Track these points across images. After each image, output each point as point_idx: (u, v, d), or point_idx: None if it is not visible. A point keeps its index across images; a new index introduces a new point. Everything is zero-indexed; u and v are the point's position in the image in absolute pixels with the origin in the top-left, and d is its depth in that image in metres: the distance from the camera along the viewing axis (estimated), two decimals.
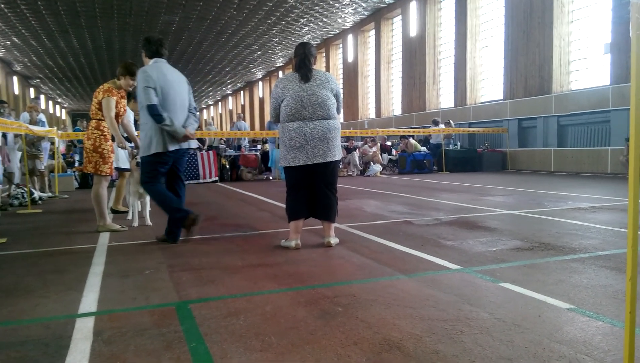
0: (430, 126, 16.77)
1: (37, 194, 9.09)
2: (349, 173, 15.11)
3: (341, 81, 28.91)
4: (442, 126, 16.38)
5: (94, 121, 5.55)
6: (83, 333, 2.47)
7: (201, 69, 37.67)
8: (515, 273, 3.50)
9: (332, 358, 2.12)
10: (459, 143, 17.54)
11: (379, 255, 4.14)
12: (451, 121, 16.94)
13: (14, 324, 2.65)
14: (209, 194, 9.93)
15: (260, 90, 42.64)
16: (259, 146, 16.97)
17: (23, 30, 25.23)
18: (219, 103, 59.80)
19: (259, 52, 32.45)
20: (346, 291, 3.12)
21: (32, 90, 42.16)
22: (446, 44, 20.40)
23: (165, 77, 4.64)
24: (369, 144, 16.29)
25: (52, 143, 11.31)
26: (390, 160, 16.40)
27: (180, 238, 4.83)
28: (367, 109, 27.03)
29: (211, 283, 3.39)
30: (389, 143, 18.06)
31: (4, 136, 8.86)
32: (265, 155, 14.59)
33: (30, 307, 2.93)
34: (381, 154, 16.16)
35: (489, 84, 18.41)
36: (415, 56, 21.36)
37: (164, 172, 4.77)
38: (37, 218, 6.97)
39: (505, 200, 7.86)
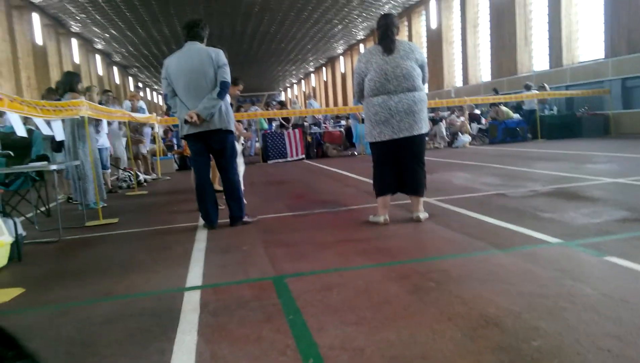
0: (522, 91, 15.84)
1: (142, 176, 9.82)
2: (435, 145, 14.74)
3: (425, 50, 27.99)
4: (535, 90, 15.41)
5: None
6: (191, 305, 2.67)
7: (284, 48, 38.21)
8: (622, 246, 3.27)
9: (427, 334, 2.14)
10: (555, 108, 16.41)
11: (471, 229, 4.04)
12: (546, 85, 15.87)
13: (131, 297, 2.93)
14: (296, 172, 10.17)
15: (342, 65, 42.47)
16: (342, 122, 17.00)
17: (119, 23, 26.96)
18: (302, 81, 60.42)
19: (339, 27, 32.26)
20: (438, 267, 3.10)
21: (130, 79, 45.12)
22: (538, 1, 19.01)
23: (178, 65, 4.58)
24: (457, 113, 15.74)
25: (152, 128, 12.10)
26: (479, 130, 15.74)
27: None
28: (453, 77, 26.02)
29: (304, 258, 3.50)
30: (477, 112, 17.32)
31: (109, 123, 9.60)
32: (349, 131, 14.61)
33: (143, 281, 3.21)
34: (470, 124, 15.55)
35: (587, 42, 16.96)
36: (504, 16, 20.13)
37: (198, 151, 4.73)
38: (143, 199, 7.54)
39: (608, 167, 7.30)
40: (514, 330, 2.12)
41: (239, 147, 6.07)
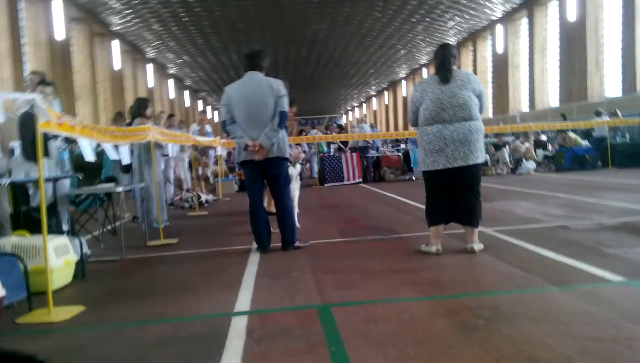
0: (592, 118, 15.13)
1: (203, 197, 10.18)
2: (498, 172, 14.29)
3: (490, 74, 27.44)
4: (606, 117, 14.66)
5: None
6: (237, 331, 2.73)
7: (346, 73, 38.68)
8: None
9: None
10: (627, 135, 15.53)
11: (529, 263, 3.88)
12: (618, 111, 15.08)
13: (183, 320, 3.04)
14: (351, 196, 10.18)
15: (403, 89, 42.34)
16: (402, 146, 16.90)
17: (191, 49, 28.36)
18: (364, 104, 60.71)
19: (402, 52, 32.30)
20: (490, 303, 3.00)
21: (200, 102, 47.12)
22: (610, 26, 18.22)
23: (239, 93, 4.77)
24: (521, 139, 15.23)
25: (215, 151, 12.55)
26: (545, 156, 15.12)
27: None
28: (519, 102, 25.26)
29: (352, 286, 3.50)
30: (544, 138, 16.68)
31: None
32: (407, 155, 14.49)
33: (196, 304, 3.32)
34: (535, 150, 15.00)
35: None
36: (574, 41, 19.41)
37: (253, 177, 4.87)
38: (203, 220, 7.80)
39: None
40: None
41: (294, 171, 6.19)
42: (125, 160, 5.17)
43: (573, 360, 2.16)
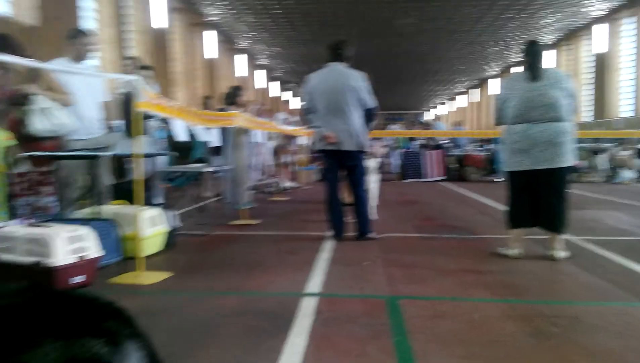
0: None
1: (286, 184, 10.49)
2: (592, 179, 13.40)
3: (589, 75, 25.65)
4: None
5: None
6: (306, 311, 2.83)
7: (433, 68, 37.73)
8: None
9: None
10: None
11: (615, 275, 3.65)
12: None
13: (257, 294, 3.20)
14: (430, 193, 10.01)
15: (493, 87, 40.66)
16: (488, 146, 16.26)
17: (282, 40, 29.06)
18: (450, 102, 59.07)
19: (493, 49, 30.98)
20: (567, 312, 2.88)
21: (290, 93, 48.16)
22: None
23: (320, 83, 4.85)
24: (622, 146, 14.14)
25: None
26: None
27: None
28: (619, 106, 23.43)
29: (422, 282, 3.49)
30: None
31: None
32: (493, 155, 13.95)
33: (269, 281, 3.48)
34: (636, 158, 13.87)
35: None
36: None
37: (331, 166, 4.94)
38: (283, 205, 8.05)
39: None
40: None
41: (373, 163, 6.21)
42: (215, 142, 5.46)
43: None
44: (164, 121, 5.12)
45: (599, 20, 23.71)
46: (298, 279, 3.49)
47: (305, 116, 4.97)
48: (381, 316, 2.79)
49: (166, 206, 4.72)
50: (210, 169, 5.31)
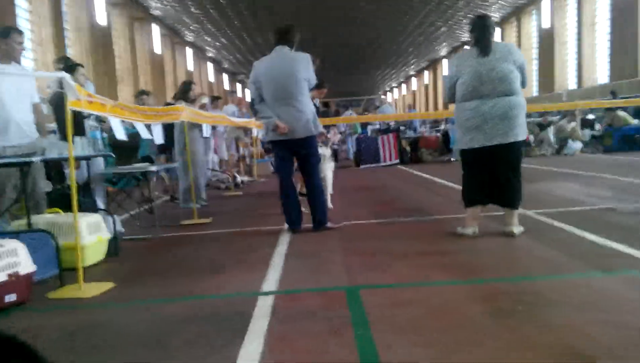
0: None
1: (239, 178, 10.23)
2: (542, 152, 13.75)
3: (535, 50, 26.40)
4: None
5: None
6: (262, 311, 2.68)
7: (385, 53, 38.02)
8: None
9: None
10: None
11: (571, 247, 3.67)
12: None
13: (209, 297, 3.02)
14: (387, 178, 10.00)
15: (444, 68, 41.34)
16: (442, 127, 16.46)
17: (229, 31, 28.46)
18: (403, 85, 59.71)
19: (443, 29, 31.43)
20: (527, 289, 2.84)
21: (238, 85, 47.45)
22: None
23: (266, 70, 4.63)
24: (567, 119, 14.57)
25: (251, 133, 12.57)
26: (592, 136, 14.45)
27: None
28: (566, 80, 24.24)
29: (381, 269, 3.39)
30: (591, 117, 15.92)
31: (214, 127, 10.10)
32: (446, 135, 14.11)
33: (224, 283, 3.30)
34: (582, 130, 14.33)
35: None
36: (626, 15, 18.37)
37: (284, 157, 4.77)
38: (237, 201, 7.83)
39: None
40: None
41: (327, 151, 6.08)
42: (158, 140, 5.19)
43: (613, 351, 2.00)
44: (101, 120, 4.81)
45: None
46: (253, 278, 3.32)
47: (254, 106, 4.75)
48: (341, 308, 2.67)
49: (108, 211, 4.43)
50: (155, 168, 5.03)
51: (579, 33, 21.94)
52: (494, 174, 4.17)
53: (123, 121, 4.24)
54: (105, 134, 5.70)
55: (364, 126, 15.77)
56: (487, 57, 4.05)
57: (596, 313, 2.41)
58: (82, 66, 5.25)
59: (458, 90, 4.19)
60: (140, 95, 7.91)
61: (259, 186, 9.94)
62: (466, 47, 34.02)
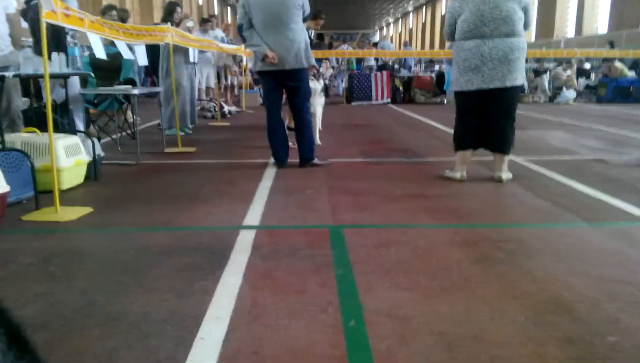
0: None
1: (227, 108, 9.96)
2: (535, 99, 13.60)
3: None
4: None
5: None
6: (243, 246, 2.62)
7: None
8: None
9: (484, 311, 1.92)
10: None
11: (559, 197, 3.64)
12: None
13: (190, 229, 2.94)
14: (378, 117, 9.84)
15: (443, 6, 40.05)
16: (436, 67, 16.12)
17: None
18: (399, 21, 58.00)
19: None
20: (512, 235, 2.81)
21: (229, 9, 45.63)
22: None
23: None
24: (563, 66, 14.33)
25: (241, 61, 12.15)
26: (587, 86, 14.30)
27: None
28: (565, 27, 23.67)
29: (367, 209, 3.34)
30: (587, 66, 15.69)
31: (203, 51, 9.66)
32: (440, 77, 13.83)
33: (205, 214, 3.22)
34: (577, 79, 14.15)
35: None
36: None
37: (272, 88, 4.57)
38: (224, 131, 7.65)
39: None
40: (588, 320, 1.85)
41: (317, 85, 5.87)
42: (142, 61, 4.92)
43: (598, 304, 1.99)
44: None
45: None
46: (237, 211, 3.25)
47: (242, 32, 4.48)
48: (324, 247, 2.62)
49: (87, 133, 4.26)
50: (136, 91, 4.81)
51: None
52: (487, 119, 4.06)
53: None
54: (87, 53, 5.39)
55: (359, 61, 15.35)
56: None
57: (580, 264, 2.39)
58: None
59: (458, 27, 4.00)
60: (108, 10, 6.92)
61: (247, 118, 9.72)
62: None
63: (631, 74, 13.94)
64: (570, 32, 22.91)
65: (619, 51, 14.83)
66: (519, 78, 3.96)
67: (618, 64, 13.89)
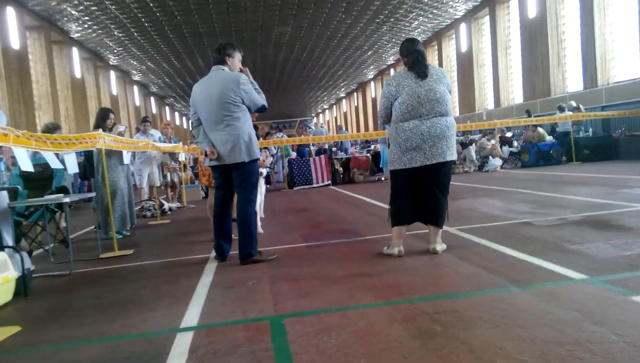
0: (556, 113, 15.37)
1: (167, 205, 9.87)
2: (465, 170, 14.37)
3: (455, 73, 27.75)
4: (568, 112, 14.92)
5: None
6: (180, 350, 2.54)
7: (315, 75, 38.58)
8: None
9: None
10: (590, 130, 15.85)
11: (490, 262, 3.80)
12: (580, 106, 15.37)
13: (124, 338, 2.82)
14: (319, 199, 10.04)
15: (372, 90, 42.52)
16: (372, 147, 16.82)
17: (155, 55, 27.80)
18: (334, 107, 60.79)
19: (369, 52, 32.38)
20: (448, 307, 2.88)
21: (167, 108, 46.33)
22: (570, 22, 18.58)
23: (201, 91, 4.53)
24: (487, 137, 15.37)
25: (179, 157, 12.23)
26: (511, 153, 15.31)
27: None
28: (485, 100, 25.60)
29: (309, 295, 3.34)
30: (509, 135, 16.89)
31: (133, 154, 9.69)
32: (376, 156, 14.43)
33: (141, 320, 3.11)
34: (501, 147, 15.16)
35: (623, 62, 16.39)
36: (535, 38, 19.75)
37: (222, 184, 4.61)
38: (164, 229, 7.53)
39: None
40: None
41: (262, 172, 5.97)
42: (72, 169, 4.89)
43: None
44: None
45: (461, 20, 25.71)
46: (174, 313, 3.16)
47: (192, 130, 4.61)
48: (265, 341, 2.58)
49: (15, 248, 4.09)
50: (68, 199, 4.73)
51: (494, 55, 23.31)
52: (422, 193, 4.24)
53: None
54: (14, 166, 5.30)
55: (301, 147, 15.78)
56: (425, 79, 4.16)
57: (512, 329, 2.47)
58: None
59: (396, 110, 4.22)
60: (47, 130, 6.75)
61: (188, 213, 9.65)
62: (392, 71, 35.27)
63: (549, 138, 15.10)
64: (491, 104, 24.76)
65: (536, 118, 16.13)
66: (455, 153, 4.27)
67: (541, 130, 15.06)
